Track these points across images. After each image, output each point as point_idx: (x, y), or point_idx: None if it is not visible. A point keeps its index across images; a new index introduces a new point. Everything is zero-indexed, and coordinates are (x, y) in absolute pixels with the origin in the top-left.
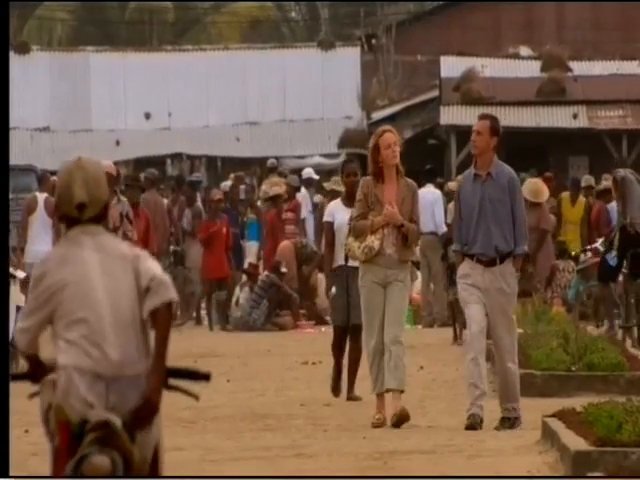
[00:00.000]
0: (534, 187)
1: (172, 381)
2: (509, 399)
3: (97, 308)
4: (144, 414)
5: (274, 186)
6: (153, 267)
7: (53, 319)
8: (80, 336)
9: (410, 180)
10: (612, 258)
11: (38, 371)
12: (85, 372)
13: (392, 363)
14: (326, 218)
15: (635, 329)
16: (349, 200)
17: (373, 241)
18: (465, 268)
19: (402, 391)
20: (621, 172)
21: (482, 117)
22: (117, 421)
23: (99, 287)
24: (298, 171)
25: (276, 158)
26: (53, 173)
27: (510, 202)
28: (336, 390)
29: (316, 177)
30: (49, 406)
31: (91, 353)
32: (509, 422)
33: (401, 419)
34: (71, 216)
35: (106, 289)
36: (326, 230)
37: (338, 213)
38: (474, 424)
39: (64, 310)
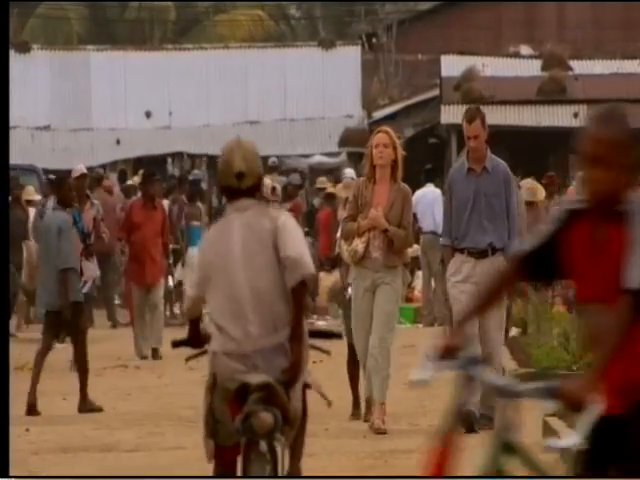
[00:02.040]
0: (531, 186)
1: (311, 340)
2: (485, 402)
3: (238, 290)
4: (291, 375)
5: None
6: (288, 243)
7: (207, 294)
8: (225, 321)
9: (404, 185)
10: None
11: (197, 338)
12: (232, 353)
13: (374, 372)
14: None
15: None
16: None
17: (358, 244)
18: (456, 263)
19: (382, 403)
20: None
21: (470, 119)
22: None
23: (239, 269)
24: (294, 171)
25: (277, 157)
26: (51, 172)
27: (505, 197)
28: (355, 414)
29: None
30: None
31: (234, 337)
32: (485, 419)
33: (376, 432)
34: (231, 186)
35: (246, 269)
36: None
37: None
38: (470, 421)
39: (212, 290)
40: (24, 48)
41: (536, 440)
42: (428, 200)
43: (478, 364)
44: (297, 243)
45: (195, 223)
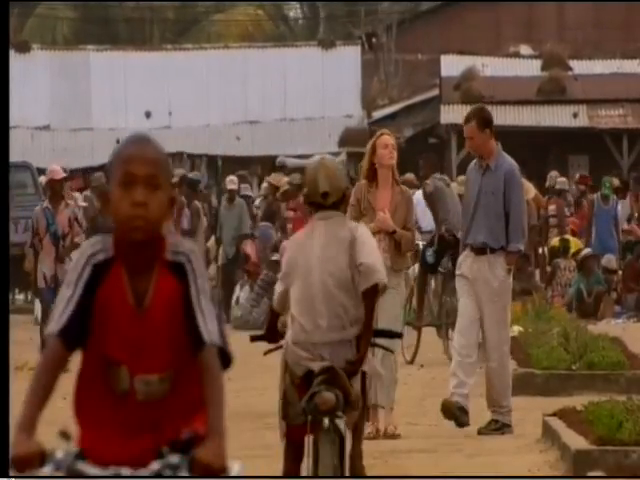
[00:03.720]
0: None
1: (376, 339)
2: (491, 401)
3: (312, 289)
4: (355, 368)
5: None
6: (364, 252)
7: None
8: (299, 313)
9: (405, 187)
10: (430, 255)
11: (273, 333)
12: (302, 343)
13: (379, 377)
14: None
15: (444, 327)
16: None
17: None
18: (461, 257)
19: (391, 408)
20: (429, 185)
21: (466, 121)
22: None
23: (317, 269)
24: (299, 170)
25: (276, 157)
26: None
27: (505, 196)
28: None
29: None
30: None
31: (305, 327)
32: (495, 424)
33: (389, 437)
34: (317, 202)
35: (322, 270)
36: None
37: None
38: (451, 409)
39: (293, 284)
40: (24, 48)
41: (536, 440)
42: None
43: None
44: (372, 252)
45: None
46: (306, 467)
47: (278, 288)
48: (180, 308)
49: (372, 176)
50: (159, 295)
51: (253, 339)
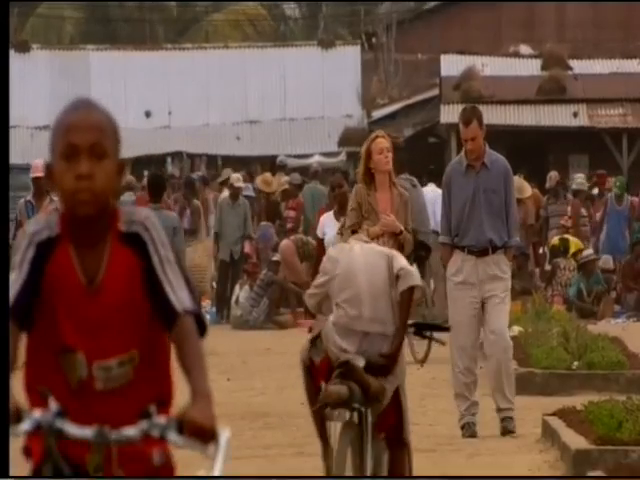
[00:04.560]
0: (518, 183)
1: (427, 332)
2: (500, 399)
3: (358, 284)
4: (387, 361)
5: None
6: (402, 261)
7: (329, 296)
8: (343, 300)
9: (402, 190)
10: None
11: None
12: (341, 327)
13: None
14: (319, 233)
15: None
16: (341, 212)
17: None
18: (457, 262)
19: None
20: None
21: (466, 122)
22: (360, 362)
23: (361, 272)
24: (299, 169)
25: (276, 157)
26: None
27: (504, 193)
28: None
29: None
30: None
31: (349, 313)
32: (510, 421)
33: None
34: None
35: (366, 273)
36: (317, 245)
37: (329, 227)
38: (470, 433)
39: (334, 292)
40: (24, 48)
41: (536, 439)
42: (429, 200)
43: (60, 415)
44: (408, 263)
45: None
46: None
47: (313, 290)
48: (139, 282)
49: (369, 180)
50: (113, 271)
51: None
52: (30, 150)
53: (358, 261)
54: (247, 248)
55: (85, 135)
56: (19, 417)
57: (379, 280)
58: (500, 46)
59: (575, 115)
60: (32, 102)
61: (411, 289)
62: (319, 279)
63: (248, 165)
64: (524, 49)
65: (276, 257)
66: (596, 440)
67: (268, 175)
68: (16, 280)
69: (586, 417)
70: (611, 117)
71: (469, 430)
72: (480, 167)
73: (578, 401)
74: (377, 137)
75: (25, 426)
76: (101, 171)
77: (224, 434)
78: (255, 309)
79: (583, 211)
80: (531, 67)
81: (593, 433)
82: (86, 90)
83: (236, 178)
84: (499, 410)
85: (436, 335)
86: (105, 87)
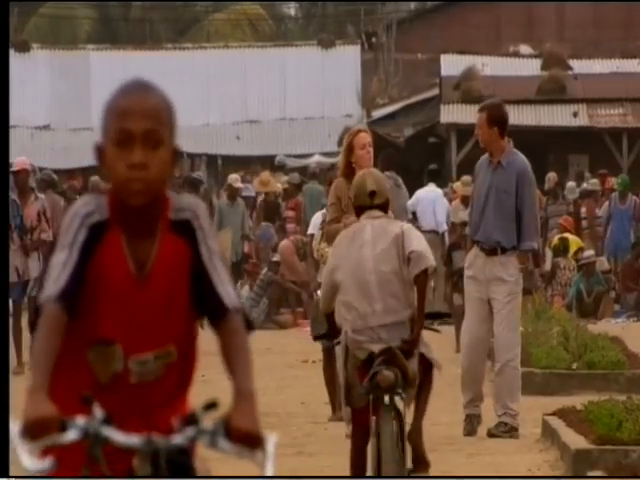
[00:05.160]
0: None
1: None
2: (500, 403)
3: (366, 275)
4: (410, 346)
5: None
6: (413, 242)
7: (338, 288)
8: (355, 300)
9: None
10: None
11: (334, 330)
12: (360, 329)
13: None
14: (310, 230)
15: None
16: None
17: None
18: (470, 256)
19: None
20: None
21: (480, 110)
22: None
23: (370, 259)
24: (298, 169)
25: (276, 156)
26: (54, 172)
27: (517, 195)
28: (338, 417)
29: None
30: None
31: (362, 312)
32: (504, 427)
33: None
34: (365, 205)
35: (375, 260)
36: (309, 243)
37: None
38: (471, 427)
39: (345, 278)
40: (24, 48)
41: (536, 439)
42: (429, 199)
43: (106, 422)
44: (421, 242)
45: None
46: (370, 446)
47: (324, 287)
48: (187, 273)
49: (350, 174)
50: (163, 260)
51: (316, 338)
52: (30, 150)
53: (366, 248)
54: (247, 248)
55: (140, 122)
56: (63, 425)
57: (388, 267)
58: (500, 46)
59: (575, 115)
60: (32, 102)
61: (425, 271)
62: (326, 278)
63: (248, 165)
64: (524, 49)
65: (276, 257)
66: (596, 440)
67: (265, 175)
68: (66, 262)
69: (586, 417)
70: (611, 117)
71: (470, 424)
72: (497, 165)
73: (578, 401)
74: (359, 132)
75: (71, 435)
76: (155, 160)
77: (271, 439)
78: (255, 309)
79: (597, 211)
80: (531, 67)
81: (593, 433)
82: (86, 90)
83: (234, 179)
84: (497, 414)
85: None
86: (105, 87)
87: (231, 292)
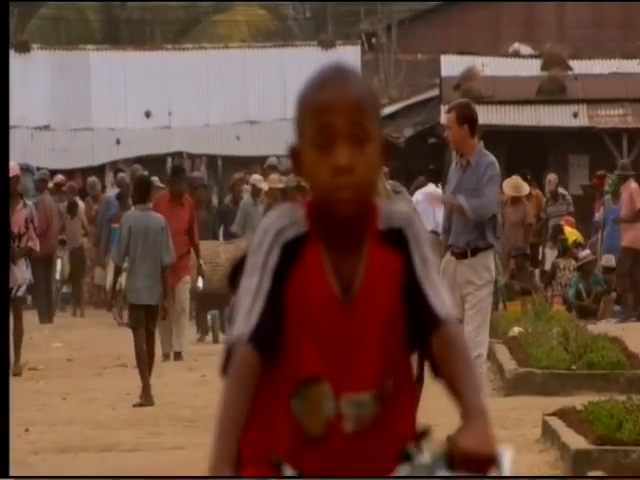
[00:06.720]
0: (515, 182)
1: None
2: None
3: None
4: None
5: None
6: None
7: None
8: None
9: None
10: None
11: None
12: None
13: None
14: None
15: None
16: None
17: None
18: (443, 262)
19: None
20: None
21: (448, 110)
22: None
23: None
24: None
25: (277, 157)
26: (54, 172)
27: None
28: None
29: None
30: None
31: None
32: None
33: None
34: None
35: None
36: None
37: None
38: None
39: None
40: (24, 48)
41: (536, 439)
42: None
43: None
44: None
45: (114, 225)
46: None
47: None
48: (399, 289)
49: None
50: (373, 277)
51: None
52: (30, 151)
53: None
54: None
55: (343, 116)
56: None
57: None
58: (500, 46)
59: (575, 115)
60: (32, 102)
61: None
62: None
63: (248, 165)
64: (524, 49)
65: None
66: (596, 440)
67: (274, 176)
68: (256, 291)
69: (586, 417)
70: (611, 117)
71: None
72: (466, 165)
73: (578, 401)
74: None
75: None
76: (363, 160)
77: (506, 455)
78: None
79: (597, 215)
80: (531, 67)
81: (593, 433)
82: (86, 90)
83: (258, 179)
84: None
85: None
86: (105, 87)
87: (446, 301)
